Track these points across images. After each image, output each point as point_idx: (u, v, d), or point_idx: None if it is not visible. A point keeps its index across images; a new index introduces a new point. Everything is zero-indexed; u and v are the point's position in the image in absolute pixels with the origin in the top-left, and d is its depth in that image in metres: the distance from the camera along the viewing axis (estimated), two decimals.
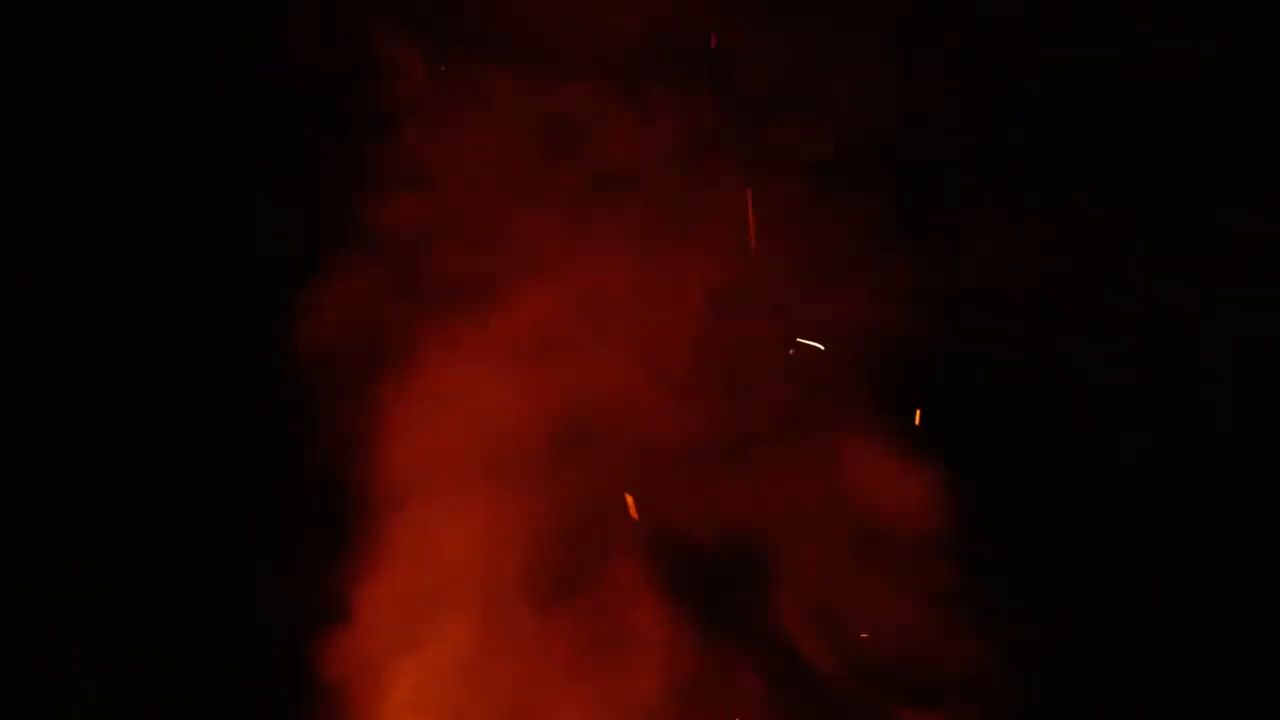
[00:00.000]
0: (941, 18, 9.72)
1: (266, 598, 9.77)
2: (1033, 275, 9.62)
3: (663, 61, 9.71)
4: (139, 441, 10.01)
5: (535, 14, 9.75)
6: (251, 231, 9.72)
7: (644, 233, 9.62)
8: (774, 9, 9.68)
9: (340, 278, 9.62)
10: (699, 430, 9.59)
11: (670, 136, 9.66)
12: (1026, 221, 9.59)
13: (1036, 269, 9.62)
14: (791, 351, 9.70)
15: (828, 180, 9.62)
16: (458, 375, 9.59)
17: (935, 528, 9.58)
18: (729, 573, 9.68)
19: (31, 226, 10.08)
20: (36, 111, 10.09)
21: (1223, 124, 9.72)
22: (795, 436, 9.67)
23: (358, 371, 9.64)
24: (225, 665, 9.85)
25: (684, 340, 9.64)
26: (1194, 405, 9.77)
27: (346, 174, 9.65)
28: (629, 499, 9.59)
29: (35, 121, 10.08)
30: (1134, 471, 9.81)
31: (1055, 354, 9.66)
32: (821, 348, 9.71)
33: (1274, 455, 9.79)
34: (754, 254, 9.63)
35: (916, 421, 9.67)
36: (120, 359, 10.02)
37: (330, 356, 9.59)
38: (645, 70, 9.69)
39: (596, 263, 9.57)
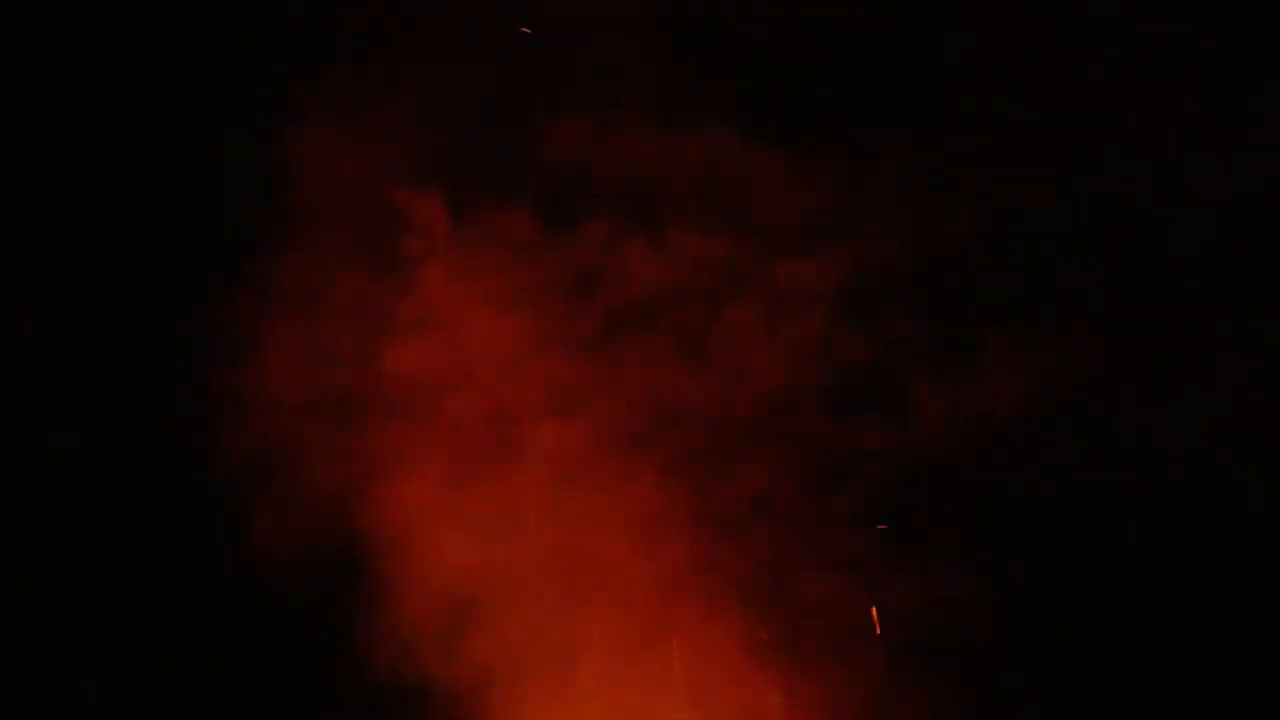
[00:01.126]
0: (953, 150, 9.79)
1: (267, 598, 9.80)
2: (1054, 397, 9.68)
3: (680, 197, 9.80)
4: (141, 444, 10.02)
5: (553, 155, 9.82)
6: (271, 379, 9.79)
7: (664, 367, 9.71)
8: (790, 142, 9.75)
9: (360, 418, 9.72)
10: (725, 561, 9.68)
11: (688, 271, 9.75)
12: (1046, 345, 9.65)
13: (1057, 391, 9.67)
14: (524, 30, 9.70)
15: (845, 309, 9.71)
16: (477, 512, 9.69)
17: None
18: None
19: (31, 227, 10.08)
20: (36, 111, 10.11)
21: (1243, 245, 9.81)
22: (821, 565, 9.73)
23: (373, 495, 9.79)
24: (225, 665, 9.85)
25: (708, 473, 9.72)
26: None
27: (368, 318, 9.75)
28: None
29: (35, 121, 10.10)
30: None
31: (1073, 476, 9.74)
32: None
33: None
34: (777, 385, 9.72)
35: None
36: (122, 362, 10.03)
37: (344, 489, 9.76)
38: (662, 207, 9.77)
39: (616, 399, 9.67)
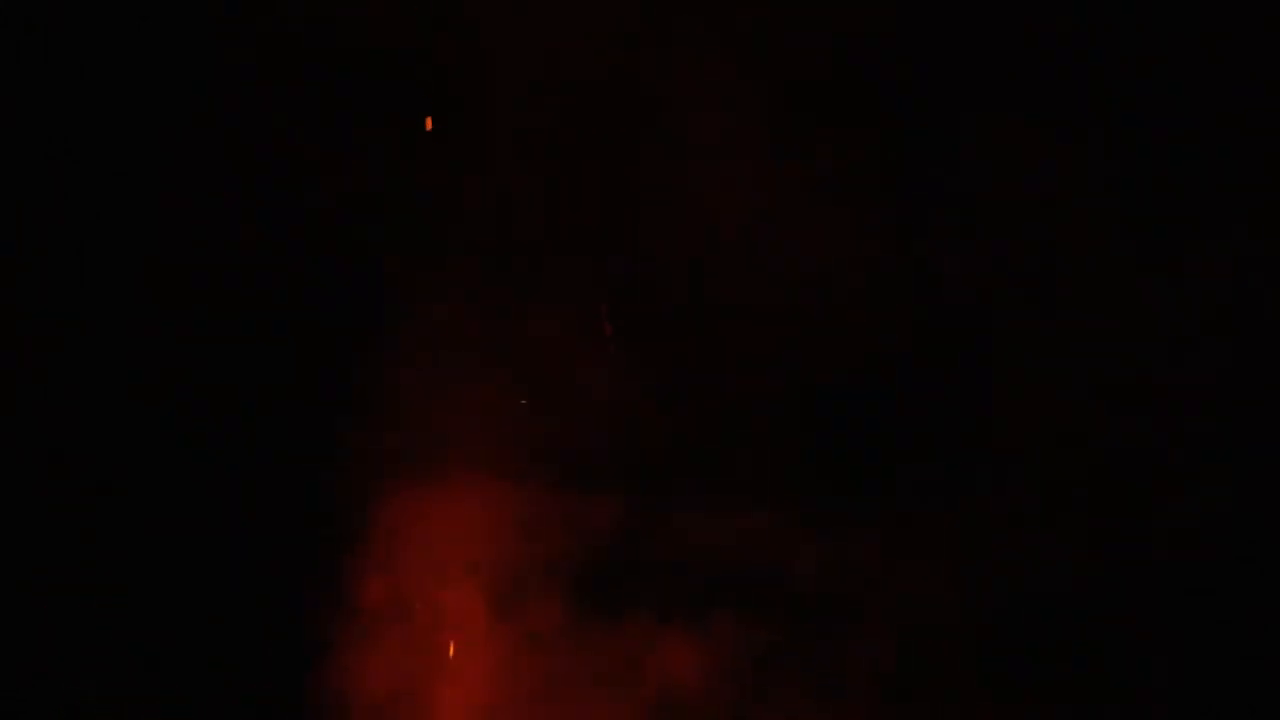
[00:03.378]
0: (992, 515, 9.88)
1: (267, 598, 9.79)
2: None
3: (720, 583, 9.87)
4: (141, 441, 10.03)
5: (588, 542, 9.90)
6: None
7: None
8: (827, 520, 9.82)
9: None
10: None
11: (730, 657, 9.79)
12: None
13: None
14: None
15: (891, 691, 9.74)
16: None
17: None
18: None
19: (33, 228, 10.10)
20: (36, 111, 10.12)
21: None
22: None
23: None
24: (225, 665, 9.85)
25: None
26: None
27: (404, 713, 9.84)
28: None
29: (35, 121, 10.11)
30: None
31: None
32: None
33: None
34: None
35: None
36: (120, 362, 10.04)
37: None
38: (706, 595, 9.85)
39: None
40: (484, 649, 9.85)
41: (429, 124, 9.85)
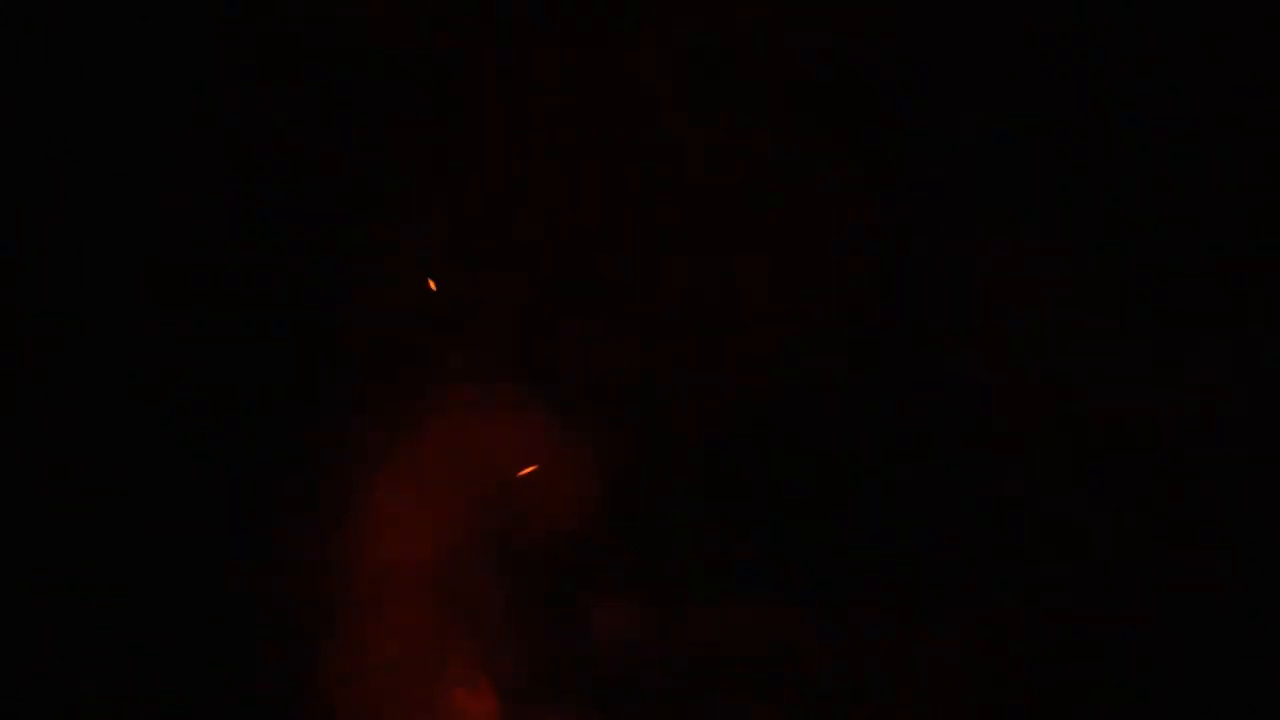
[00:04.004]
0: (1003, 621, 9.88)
1: (266, 597, 9.81)
2: None
3: (722, 676, 9.84)
4: (140, 441, 10.04)
5: (600, 643, 9.90)
6: None
7: None
8: (838, 607, 9.83)
9: None
10: None
11: None
12: None
13: None
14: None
15: None
16: None
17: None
18: None
19: (33, 228, 10.11)
20: (37, 111, 10.13)
21: None
22: None
23: None
24: (225, 665, 9.86)
25: None
26: None
27: None
28: None
29: (35, 121, 10.12)
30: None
31: None
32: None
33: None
34: None
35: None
36: (120, 362, 10.05)
37: None
38: (703, 690, 9.81)
39: None
40: None
41: (431, 285, 9.92)
